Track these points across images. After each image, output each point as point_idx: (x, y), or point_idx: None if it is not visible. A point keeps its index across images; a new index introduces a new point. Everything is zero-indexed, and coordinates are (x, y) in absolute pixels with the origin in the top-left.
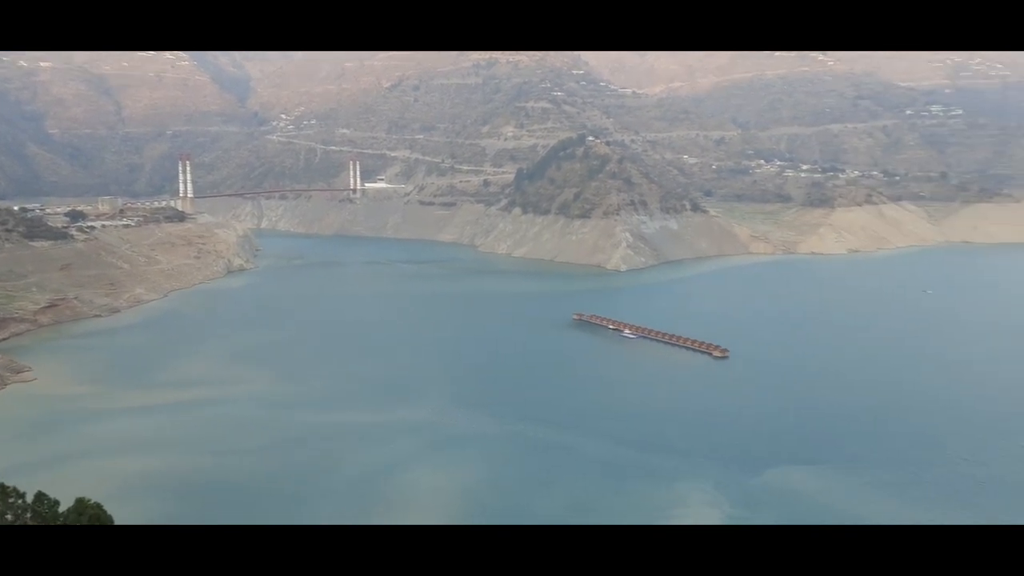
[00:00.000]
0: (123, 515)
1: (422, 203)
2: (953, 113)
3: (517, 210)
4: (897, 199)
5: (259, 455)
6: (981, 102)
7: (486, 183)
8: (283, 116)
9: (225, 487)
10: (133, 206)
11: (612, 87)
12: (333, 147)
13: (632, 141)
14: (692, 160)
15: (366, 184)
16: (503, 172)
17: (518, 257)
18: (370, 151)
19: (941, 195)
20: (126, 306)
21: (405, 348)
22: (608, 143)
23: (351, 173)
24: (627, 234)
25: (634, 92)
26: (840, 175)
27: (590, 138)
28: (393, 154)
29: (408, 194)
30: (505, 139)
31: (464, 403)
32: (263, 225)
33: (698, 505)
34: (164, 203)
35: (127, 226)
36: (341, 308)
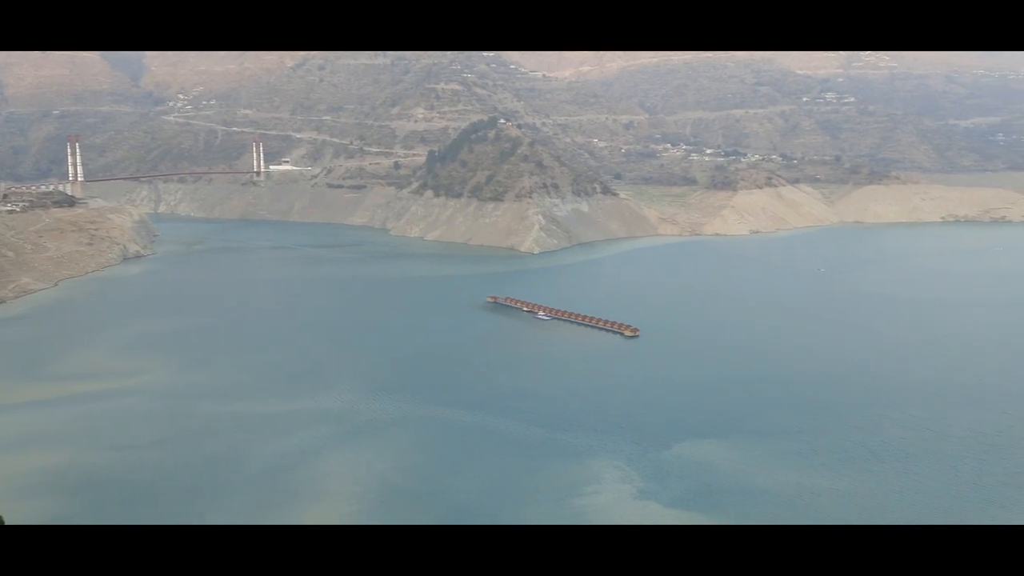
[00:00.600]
0: (18, 516)
1: (330, 186)
2: (846, 100)
3: (429, 193)
4: (795, 182)
5: (163, 448)
6: (871, 91)
7: (397, 165)
8: (180, 96)
9: (128, 483)
10: (18, 190)
11: (522, 70)
12: (235, 128)
13: (543, 124)
14: (602, 144)
15: (271, 167)
16: (414, 154)
17: (431, 240)
18: (274, 132)
19: (835, 178)
20: (12, 296)
21: (315, 335)
22: (519, 126)
23: (254, 155)
24: (540, 217)
25: (544, 76)
26: (742, 159)
27: (501, 121)
28: (299, 136)
29: (315, 177)
30: (415, 121)
31: (377, 389)
32: (161, 210)
33: (611, 481)
34: (52, 187)
35: (11, 212)
36: (247, 294)
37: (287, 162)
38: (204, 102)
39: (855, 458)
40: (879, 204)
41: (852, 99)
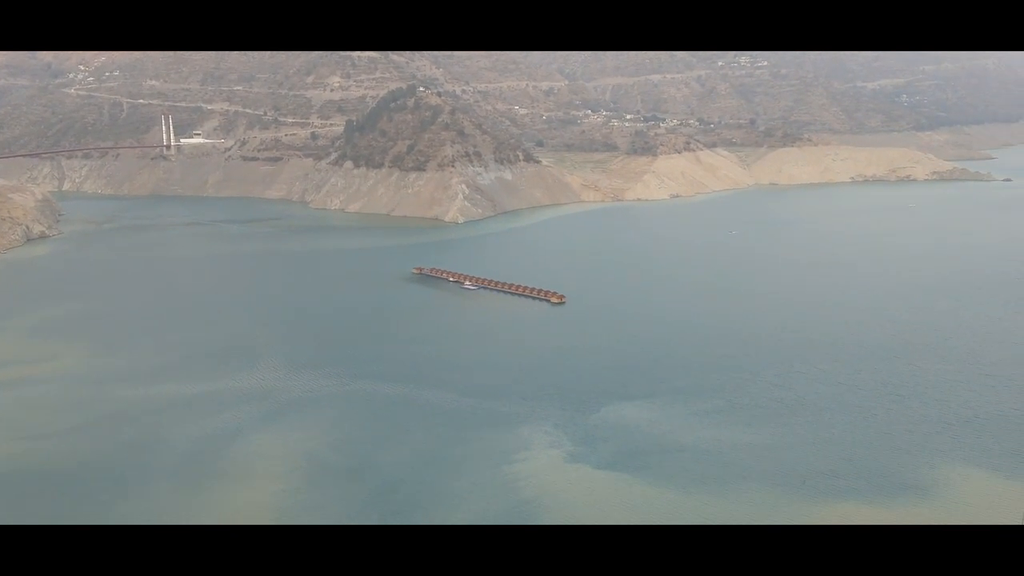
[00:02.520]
0: None
1: (245, 159)
2: (759, 65)
3: (349, 164)
4: (712, 146)
5: (80, 436)
6: (783, 54)
7: (314, 136)
8: (81, 67)
9: (45, 474)
10: None
11: None
12: (141, 100)
13: (463, 92)
14: (523, 111)
15: (181, 140)
16: (331, 124)
17: (352, 212)
18: (184, 104)
19: (751, 141)
20: None
21: (235, 312)
22: (439, 94)
23: (163, 128)
24: (463, 186)
25: None
26: (661, 124)
27: (421, 89)
28: (210, 107)
29: (229, 149)
30: (332, 90)
31: (302, 365)
32: (65, 188)
33: (541, 447)
34: None
35: None
36: (161, 273)
37: (199, 135)
38: (107, 73)
39: (772, 413)
40: (793, 166)
41: (765, 63)
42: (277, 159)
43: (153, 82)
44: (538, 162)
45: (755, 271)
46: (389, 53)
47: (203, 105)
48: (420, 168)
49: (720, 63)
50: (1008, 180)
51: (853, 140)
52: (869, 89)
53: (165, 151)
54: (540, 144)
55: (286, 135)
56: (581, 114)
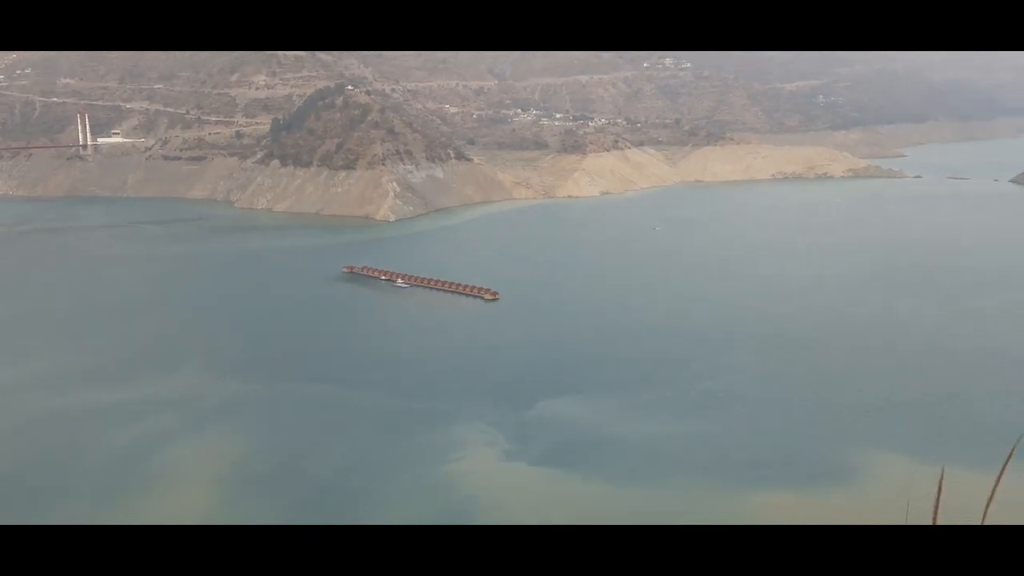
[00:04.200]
0: None
1: (167, 158)
2: (683, 67)
3: (276, 162)
4: (640, 144)
5: None
6: (704, 56)
7: (239, 135)
8: None
9: None
10: None
11: None
12: (55, 99)
13: (393, 91)
14: (454, 109)
15: (99, 139)
16: (257, 123)
17: (280, 212)
18: (101, 103)
19: (676, 140)
20: None
21: (156, 316)
22: (368, 92)
23: (80, 127)
24: (394, 184)
25: None
26: (590, 123)
27: (349, 87)
28: (129, 106)
29: (150, 149)
30: (257, 88)
31: (227, 369)
32: None
33: (477, 445)
34: None
35: None
36: (77, 277)
37: (117, 134)
38: (18, 71)
39: (701, 404)
40: (716, 164)
41: (688, 65)
42: (200, 158)
43: (68, 80)
44: (470, 160)
45: (681, 266)
46: (316, 52)
47: (122, 104)
48: (350, 166)
49: (645, 64)
50: (919, 177)
51: (773, 139)
52: (787, 90)
53: (81, 151)
54: (471, 142)
55: (210, 134)
56: (511, 113)
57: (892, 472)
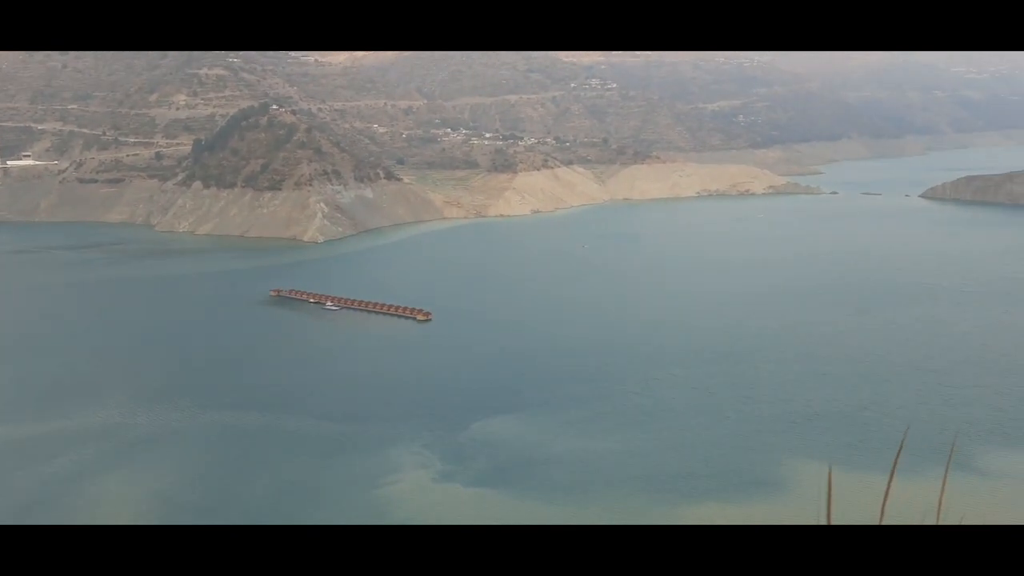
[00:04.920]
0: None
1: (82, 181)
2: (609, 87)
3: (198, 184)
4: (569, 163)
5: None
6: (630, 77)
7: (159, 156)
8: None
9: None
10: None
11: (293, 55)
12: None
13: (319, 110)
14: (382, 129)
15: (8, 162)
16: (178, 144)
17: (203, 235)
18: (10, 124)
19: (604, 158)
20: None
21: (72, 344)
22: (294, 112)
23: None
24: (322, 204)
25: (317, 60)
26: (519, 142)
27: (274, 107)
28: (41, 127)
29: (64, 171)
30: (177, 108)
31: (150, 398)
32: None
33: (411, 468)
34: None
35: None
36: None
37: (28, 156)
38: None
39: (633, 420)
40: (644, 182)
41: (614, 85)
42: (118, 181)
43: None
44: (399, 180)
45: (611, 283)
46: (239, 71)
47: (33, 125)
48: (275, 187)
49: (573, 84)
50: (835, 193)
51: (697, 157)
52: (709, 110)
53: None
54: (401, 162)
55: (128, 155)
56: (441, 132)
57: (817, 480)
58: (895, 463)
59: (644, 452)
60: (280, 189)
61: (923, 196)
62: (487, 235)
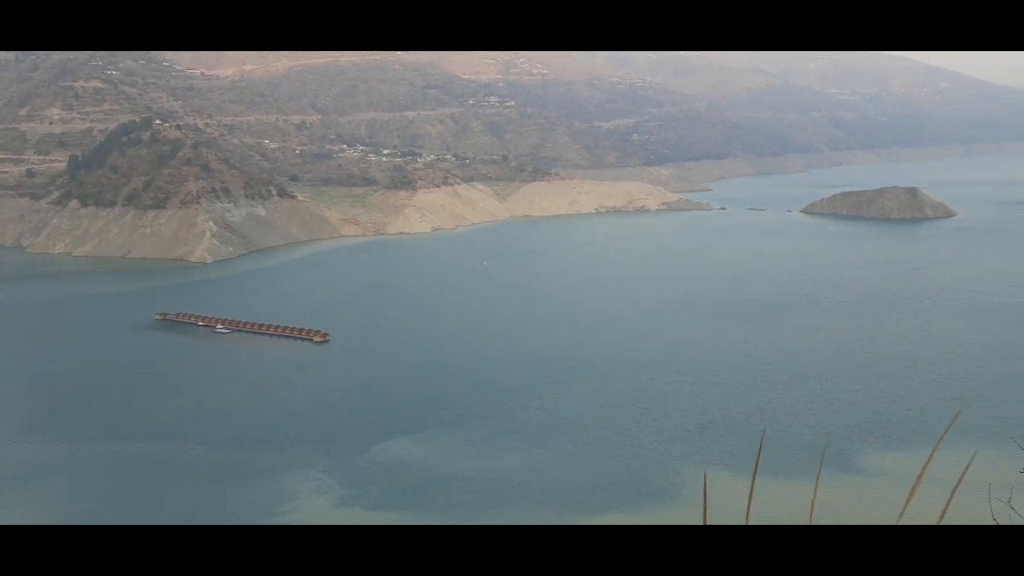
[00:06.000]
0: None
1: None
2: (507, 104)
3: (75, 203)
4: (469, 180)
5: None
6: (528, 95)
7: (30, 173)
8: None
9: None
10: None
11: (177, 67)
12: None
13: (207, 125)
14: (274, 145)
15: None
16: (52, 160)
17: (81, 256)
18: None
19: (504, 175)
20: None
21: None
22: (179, 127)
23: None
24: (211, 223)
25: (203, 73)
26: (418, 159)
27: (157, 122)
28: None
29: None
30: (51, 123)
31: (23, 431)
32: None
33: (309, 494)
34: None
35: None
36: None
37: None
38: None
39: (535, 435)
40: (544, 199)
41: (512, 103)
42: None
43: None
44: (293, 197)
45: (512, 299)
46: (119, 84)
47: None
48: (160, 206)
49: (471, 101)
50: (723, 209)
51: (594, 175)
52: (605, 129)
53: None
54: (295, 179)
55: None
56: (337, 148)
57: (714, 487)
58: (756, 465)
59: (547, 467)
60: (165, 207)
61: (803, 211)
62: (387, 253)
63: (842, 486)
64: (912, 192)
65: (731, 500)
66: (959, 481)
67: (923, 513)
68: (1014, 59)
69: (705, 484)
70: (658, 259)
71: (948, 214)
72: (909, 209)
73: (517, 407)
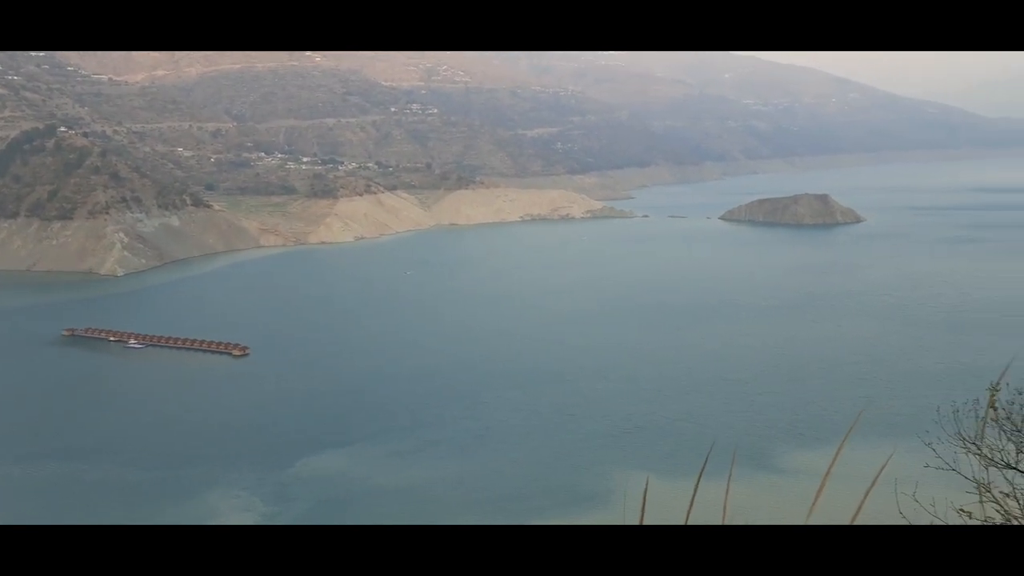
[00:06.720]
0: None
1: None
2: (430, 112)
3: None
4: (392, 188)
5: None
6: (451, 103)
7: None
8: None
9: None
10: None
11: (83, 72)
12: None
13: (115, 133)
14: (188, 153)
15: None
16: None
17: None
18: None
19: (429, 183)
20: None
21: None
22: (86, 135)
23: None
24: (121, 234)
25: (111, 79)
26: (340, 167)
27: (62, 129)
28: None
29: None
30: None
31: None
32: None
33: (230, 512)
34: None
35: None
36: None
37: None
38: None
39: (463, 445)
40: (469, 207)
41: (435, 110)
42: None
43: None
44: (209, 206)
45: (436, 309)
46: (20, 90)
47: None
48: (66, 216)
49: (393, 108)
50: (646, 216)
51: (519, 183)
52: (529, 137)
53: None
54: (211, 188)
55: None
56: (254, 156)
57: (639, 488)
58: (701, 471)
59: (476, 477)
60: (72, 218)
61: (722, 218)
62: (308, 263)
63: (760, 484)
64: (823, 199)
65: (661, 502)
66: (874, 481)
67: (833, 509)
68: (916, 71)
69: (646, 488)
70: (583, 267)
71: (857, 219)
72: (821, 215)
73: (444, 417)
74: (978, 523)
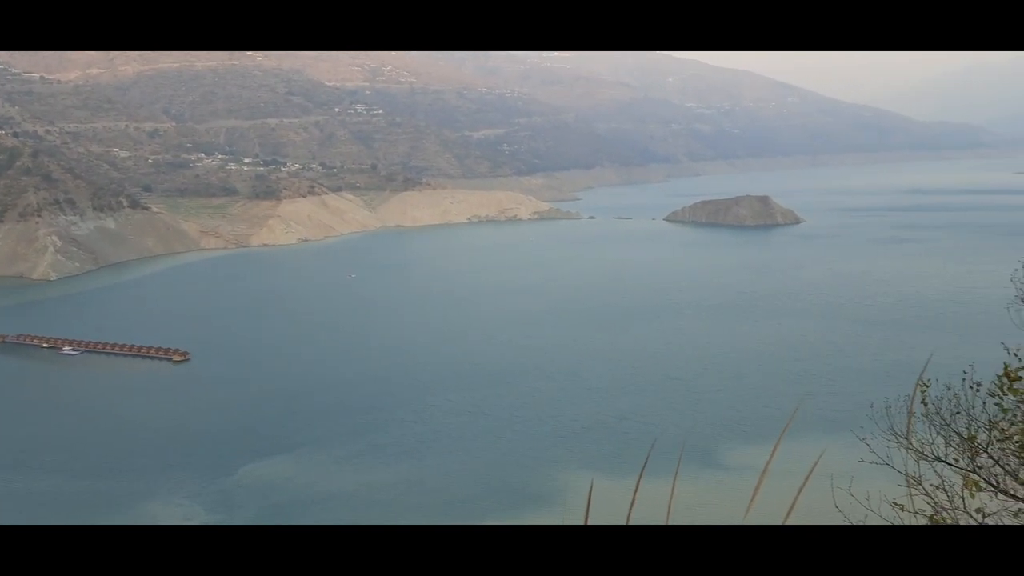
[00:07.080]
0: None
1: None
2: (375, 112)
3: None
4: (337, 189)
5: None
6: (396, 103)
7: None
8: None
9: None
10: None
11: (13, 70)
12: None
13: (47, 132)
14: (124, 153)
15: None
16: None
17: None
18: None
19: (374, 185)
20: None
21: None
22: (17, 135)
23: None
24: (54, 237)
25: (43, 77)
26: (282, 168)
27: None
28: None
29: None
30: None
31: None
32: None
33: (171, 521)
34: None
35: None
36: None
37: None
38: None
39: (410, 449)
40: (415, 209)
41: (380, 111)
42: None
43: None
44: (147, 208)
45: (381, 312)
46: None
47: None
48: None
49: (337, 109)
50: (592, 217)
51: (465, 184)
52: (475, 138)
53: None
54: (148, 189)
55: None
56: (193, 157)
57: (584, 488)
58: (642, 470)
59: (423, 480)
60: (2, 221)
61: (666, 219)
62: (250, 266)
63: (705, 481)
64: (764, 200)
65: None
66: (807, 478)
67: (771, 505)
68: (854, 76)
69: (591, 489)
70: (530, 268)
71: (796, 220)
72: (761, 216)
73: (390, 421)
74: (909, 514)
